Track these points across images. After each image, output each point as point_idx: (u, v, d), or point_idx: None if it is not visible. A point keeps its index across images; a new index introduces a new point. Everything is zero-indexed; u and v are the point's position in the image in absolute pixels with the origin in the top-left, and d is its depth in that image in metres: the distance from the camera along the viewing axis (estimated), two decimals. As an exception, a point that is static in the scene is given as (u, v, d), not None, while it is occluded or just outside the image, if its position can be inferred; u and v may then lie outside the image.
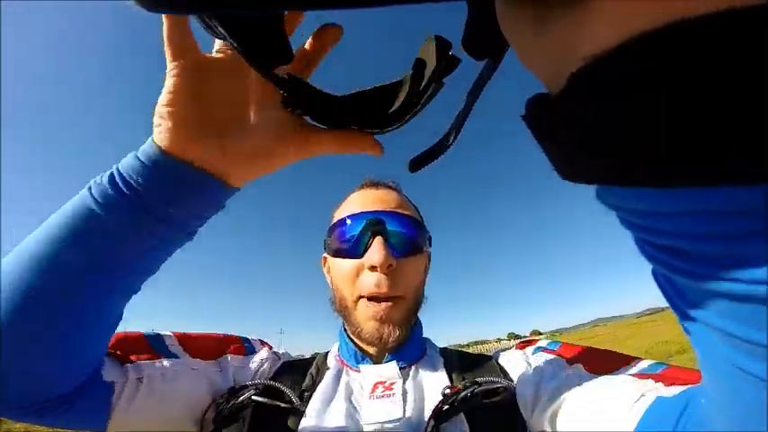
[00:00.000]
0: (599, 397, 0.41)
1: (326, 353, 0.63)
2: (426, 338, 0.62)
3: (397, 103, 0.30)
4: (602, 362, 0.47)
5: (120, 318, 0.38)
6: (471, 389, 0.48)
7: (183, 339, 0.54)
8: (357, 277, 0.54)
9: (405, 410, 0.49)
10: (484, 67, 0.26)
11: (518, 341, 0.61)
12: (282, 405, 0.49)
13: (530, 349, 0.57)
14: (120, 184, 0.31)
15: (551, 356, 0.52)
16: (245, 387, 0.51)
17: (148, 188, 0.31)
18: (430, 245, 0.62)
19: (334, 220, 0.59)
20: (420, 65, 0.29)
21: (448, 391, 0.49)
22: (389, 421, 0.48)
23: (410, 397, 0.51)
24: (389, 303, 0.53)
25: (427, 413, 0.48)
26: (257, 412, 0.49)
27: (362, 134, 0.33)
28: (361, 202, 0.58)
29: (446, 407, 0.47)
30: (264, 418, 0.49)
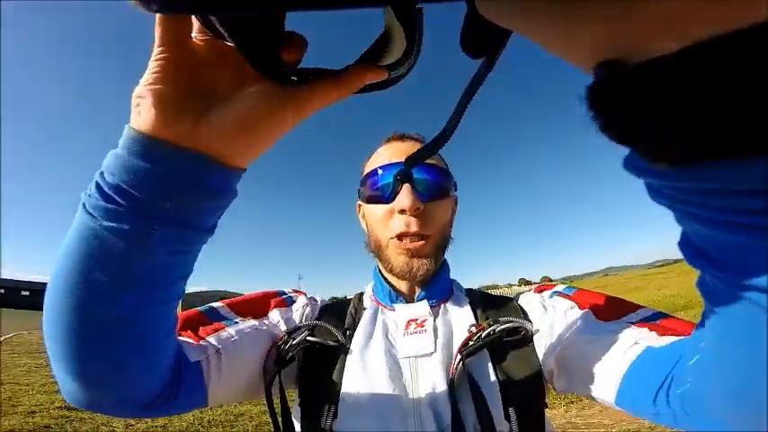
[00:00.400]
0: (600, 342, 0.47)
1: (361, 294, 0.69)
2: (453, 279, 0.68)
3: (399, 49, 0.29)
4: (610, 309, 0.53)
5: (176, 320, 0.38)
6: (494, 327, 0.53)
7: (232, 305, 0.59)
8: (389, 220, 0.59)
9: (436, 345, 0.55)
10: (480, 66, 0.27)
11: (536, 285, 0.68)
12: (331, 343, 0.56)
13: (547, 293, 0.62)
14: (106, 189, 0.27)
15: (566, 301, 0.57)
16: (298, 328, 0.57)
17: (135, 182, 0.27)
18: (455, 189, 0.65)
19: (366, 170, 0.64)
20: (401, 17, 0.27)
21: (474, 328, 0.55)
22: (422, 355, 0.54)
23: (440, 333, 0.57)
24: (418, 240, 0.58)
25: (455, 348, 0.54)
26: (309, 351, 0.57)
27: (361, 66, 0.30)
28: (389, 154, 0.62)
29: (472, 342, 0.53)
30: (316, 355, 0.56)
